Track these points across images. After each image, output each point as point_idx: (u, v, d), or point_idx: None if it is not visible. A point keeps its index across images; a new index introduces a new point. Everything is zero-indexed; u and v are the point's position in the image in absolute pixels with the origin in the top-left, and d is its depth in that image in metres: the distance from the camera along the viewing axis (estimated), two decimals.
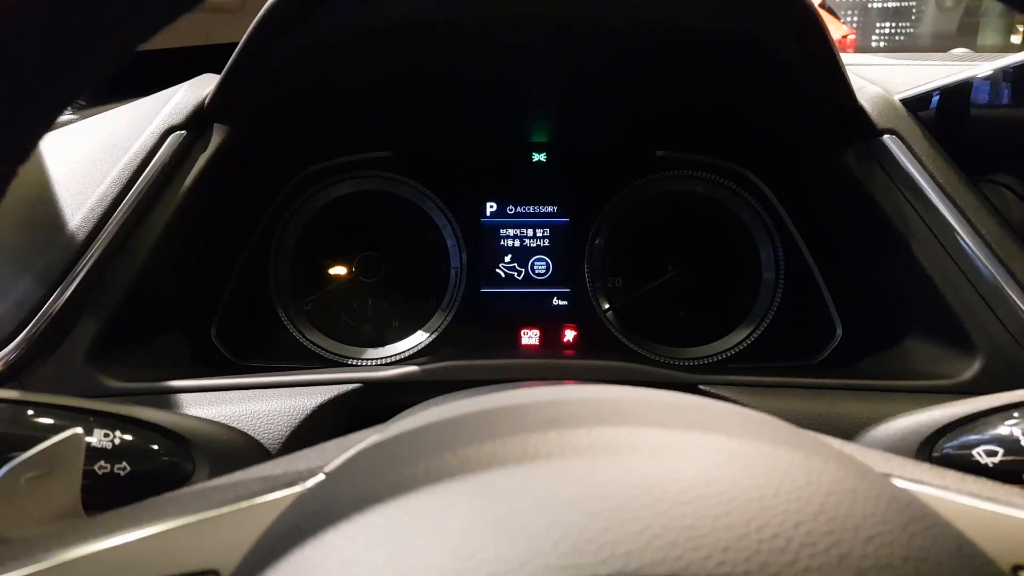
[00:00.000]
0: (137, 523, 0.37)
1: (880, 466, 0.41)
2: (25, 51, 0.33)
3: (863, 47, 9.29)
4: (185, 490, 0.42)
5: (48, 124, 0.37)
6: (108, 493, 0.64)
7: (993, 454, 0.64)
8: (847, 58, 1.31)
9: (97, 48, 0.36)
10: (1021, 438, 0.63)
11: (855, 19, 9.58)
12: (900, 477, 0.40)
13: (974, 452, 0.66)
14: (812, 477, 0.33)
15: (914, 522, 0.32)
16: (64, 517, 0.45)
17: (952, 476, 0.42)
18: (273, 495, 0.39)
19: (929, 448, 0.69)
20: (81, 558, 0.35)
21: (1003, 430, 0.65)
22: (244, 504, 0.39)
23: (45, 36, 0.33)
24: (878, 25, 9.61)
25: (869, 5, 9.61)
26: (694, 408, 0.42)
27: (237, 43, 0.89)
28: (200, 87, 1.01)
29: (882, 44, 9.58)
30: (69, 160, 0.98)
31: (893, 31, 9.57)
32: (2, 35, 0.32)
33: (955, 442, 0.68)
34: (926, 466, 0.43)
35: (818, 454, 0.36)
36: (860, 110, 0.97)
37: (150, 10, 0.36)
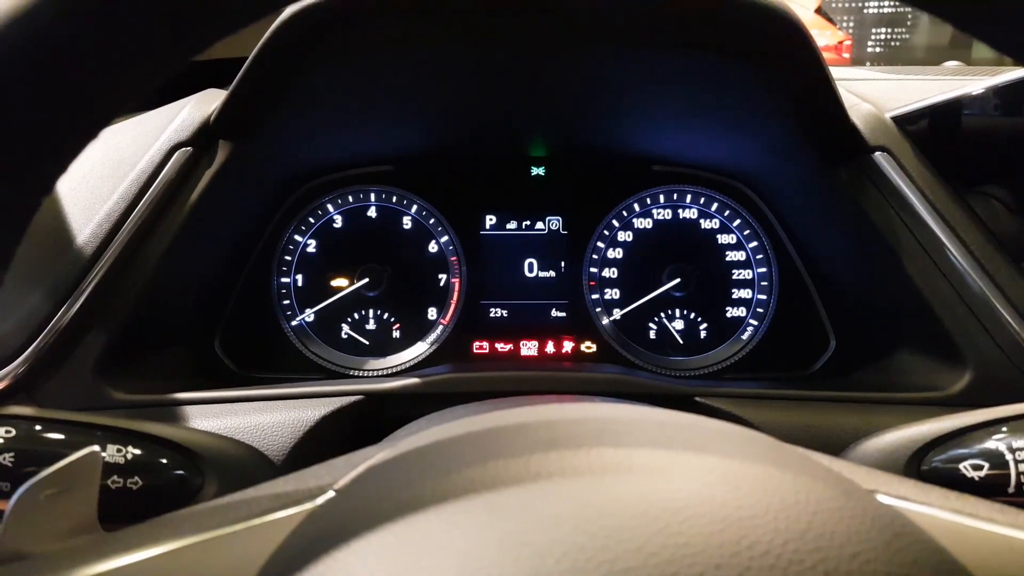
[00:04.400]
0: (154, 540, 0.39)
1: (867, 483, 0.43)
2: (50, 90, 0.35)
3: (859, 52, 9.33)
4: (199, 507, 0.44)
5: (75, 155, 0.38)
6: (121, 507, 0.65)
7: (979, 468, 0.66)
8: (840, 72, 1.33)
9: (124, 80, 0.37)
10: (1006, 452, 0.65)
11: (851, 24, 9.62)
12: (886, 494, 0.42)
13: (961, 466, 0.67)
14: (800, 496, 0.35)
15: (897, 539, 0.33)
16: (81, 533, 0.47)
17: (936, 492, 0.44)
18: (284, 512, 0.41)
19: (918, 462, 0.71)
20: (100, 574, 0.37)
21: (990, 444, 0.67)
22: (257, 521, 0.40)
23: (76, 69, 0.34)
24: (874, 30, 9.66)
25: (865, 11, 9.66)
26: (689, 427, 0.44)
27: (239, 57, 0.90)
28: (206, 103, 1.02)
29: (878, 50, 9.63)
30: (76, 174, 1.00)
31: (889, 37, 9.62)
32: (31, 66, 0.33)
33: (943, 456, 0.70)
34: (911, 482, 0.45)
35: (807, 473, 0.38)
36: (852, 128, 0.99)
37: (183, 44, 0.37)
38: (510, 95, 1.12)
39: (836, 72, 0.99)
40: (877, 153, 0.99)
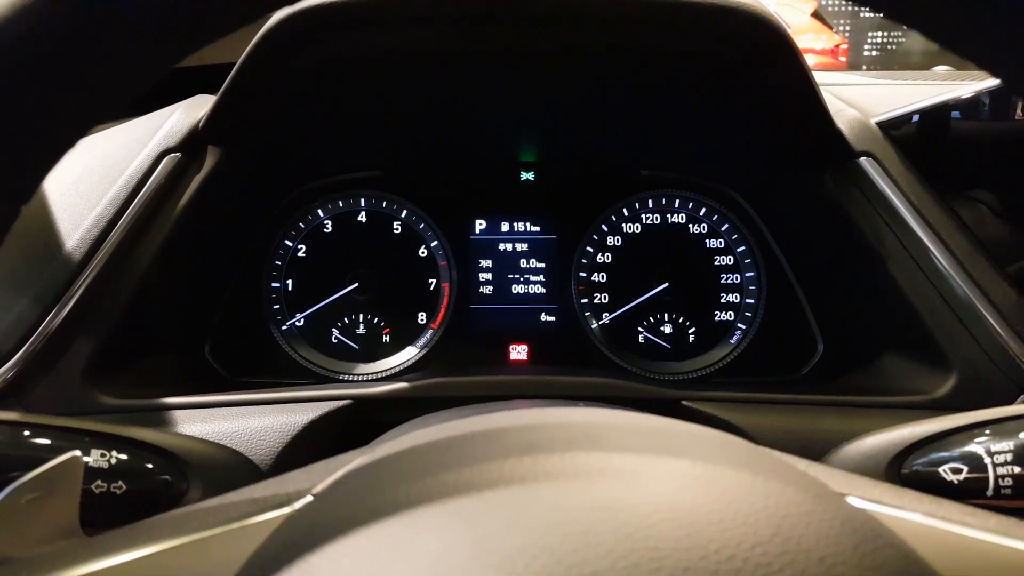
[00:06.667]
0: (133, 544, 0.39)
1: (840, 486, 0.43)
2: (32, 91, 0.35)
3: (855, 55, 9.34)
4: (179, 511, 0.44)
5: (53, 163, 0.39)
6: (105, 512, 0.65)
7: (958, 471, 0.66)
8: (827, 77, 1.33)
9: (106, 84, 0.37)
10: (984, 456, 0.65)
11: (847, 28, 9.63)
12: (858, 497, 0.42)
13: (940, 470, 0.68)
14: (770, 500, 0.35)
15: (865, 543, 0.34)
16: (63, 537, 0.47)
17: (909, 496, 0.44)
18: (263, 516, 0.41)
19: (898, 465, 0.71)
20: None
21: (969, 448, 0.67)
22: (235, 525, 0.41)
23: (57, 70, 0.35)
24: (870, 34, 9.67)
25: (862, 14, 9.66)
26: (662, 432, 0.44)
27: (229, 63, 0.91)
28: (194, 109, 1.03)
29: (874, 53, 9.65)
30: (65, 179, 1.00)
31: (885, 40, 9.64)
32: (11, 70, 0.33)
33: (923, 459, 0.70)
34: (884, 486, 0.45)
35: (777, 477, 0.38)
36: (838, 134, 0.99)
37: (157, 56, 0.37)
38: (500, 102, 1.13)
39: (822, 77, 1.00)
40: (862, 158, 0.99)
